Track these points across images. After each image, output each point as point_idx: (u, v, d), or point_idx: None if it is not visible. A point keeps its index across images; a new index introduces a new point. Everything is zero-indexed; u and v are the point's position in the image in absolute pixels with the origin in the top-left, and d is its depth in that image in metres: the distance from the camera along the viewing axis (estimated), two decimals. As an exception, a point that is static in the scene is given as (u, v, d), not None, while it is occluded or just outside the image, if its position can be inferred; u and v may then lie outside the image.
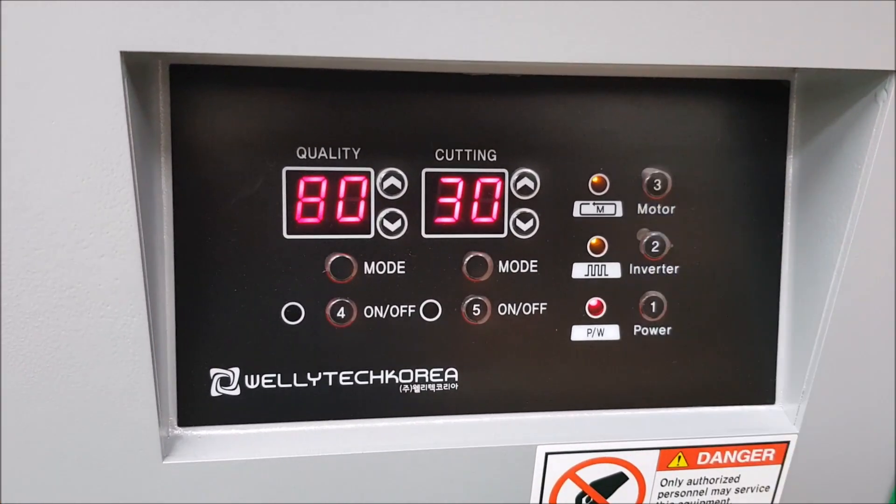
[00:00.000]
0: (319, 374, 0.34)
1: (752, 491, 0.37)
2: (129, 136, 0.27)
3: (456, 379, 0.35)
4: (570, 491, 0.35)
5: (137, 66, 0.28)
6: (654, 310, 0.35)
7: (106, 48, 0.26)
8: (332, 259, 0.33)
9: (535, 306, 0.35)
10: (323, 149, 0.32)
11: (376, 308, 0.34)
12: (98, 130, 0.26)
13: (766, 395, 0.37)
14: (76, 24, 0.25)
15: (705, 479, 0.37)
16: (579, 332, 0.35)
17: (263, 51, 0.27)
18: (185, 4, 0.26)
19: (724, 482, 0.37)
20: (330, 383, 0.34)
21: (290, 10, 0.27)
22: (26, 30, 0.25)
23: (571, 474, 0.35)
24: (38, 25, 0.25)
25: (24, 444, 0.30)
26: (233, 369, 0.33)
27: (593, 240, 0.35)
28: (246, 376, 0.33)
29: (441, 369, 0.35)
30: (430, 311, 0.34)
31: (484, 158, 0.34)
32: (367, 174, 0.33)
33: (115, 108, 0.26)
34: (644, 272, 0.35)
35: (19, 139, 0.26)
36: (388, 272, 0.34)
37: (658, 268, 0.35)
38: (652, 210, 0.35)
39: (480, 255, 0.34)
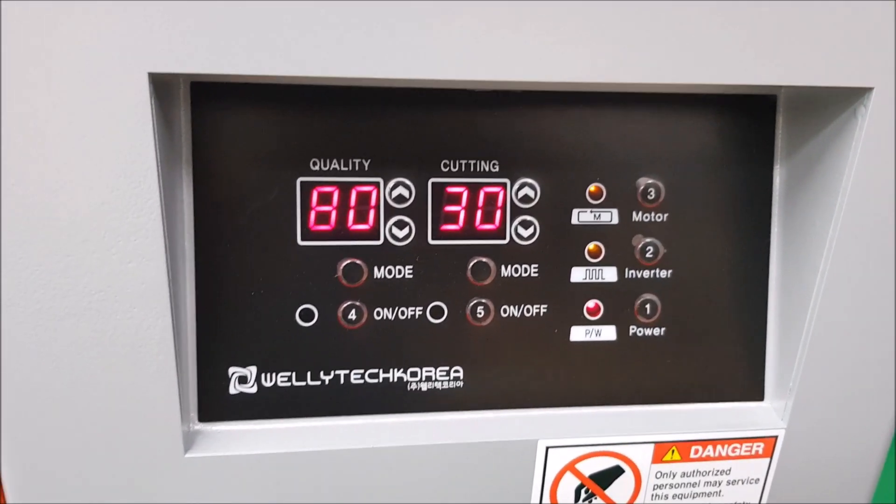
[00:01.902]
0: (332, 372, 0.36)
1: (742, 483, 0.39)
2: (156, 151, 0.29)
3: (461, 377, 0.37)
4: (570, 483, 0.37)
5: (162, 85, 0.30)
6: (648, 311, 0.37)
7: (135, 70, 0.27)
8: (344, 264, 0.35)
9: (536, 308, 0.37)
10: (335, 160, 0.34)
11: (385, 310, 0.36)
12: (127, 146, 0.28)
13: (755, 392, 0.39)
14: (108, 48, 0.27)
15: (698, 471, 0.38)
16: (578, 333, 0.37)
17: (281, 72, 0.29)
18: (209, 30, 0.28)
19: (716, 475, 0.39)
20: (342, 381, 0.36)
21: (306, 34, 0.28)
22: (62, 54, 0.27)
23: (571, 467, 0.37)
24: (73, 50, 0.27)
25: (52, 440, 0.32)
26: (250, 368, 0.35)
27: (591, 245, 0.37)
28: (262, 375, 0.35)
29: (447, 368, 0.37)
30: (437, 313, 0.36)
31: (487, 169, 0.35)
32: (377, 184, 0.35)
33: (143, 125, 0.28)
34: (639, 276, 0.37)
35: (54, 154, 0.28)
36: (397, 276, 0.36)
37: (652, 272, 0.37)
38: (646, 217, 0.37)
39: (484, 260, 0.36)
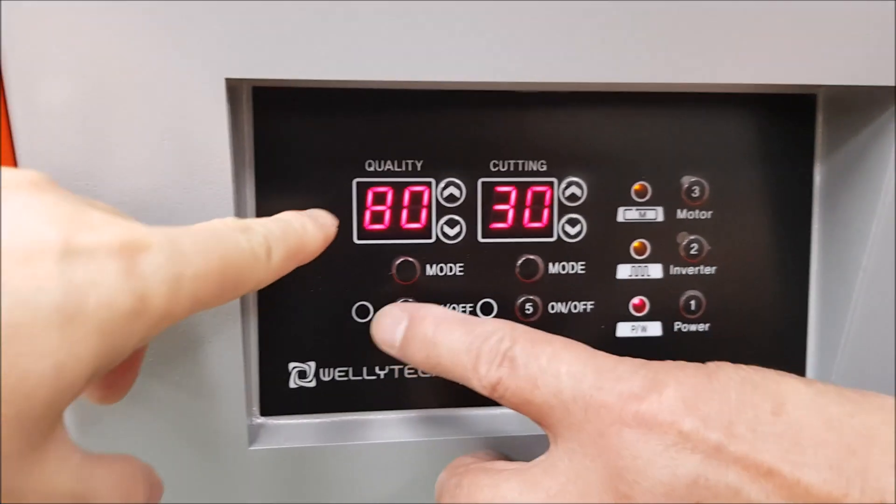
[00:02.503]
0: (387, 367, 0.37)
1: (784, 476, 0.40)
2: (231, 154, 0.30)
3: (511, 372, 0.38)
4: (617, 475, 0.38)
5: (231, 90, 0.31)
6: (693, 308, 0.38)
7: (214, 76, 0.29)
8: (398, 262, 0.36)
9: (583, 305, 0.38)
10: (389, 162, 0.35)
11: (438, 307, 0.37)
12: (204, 150, 0.30)
13: (797, 386, 0.40)
14: (189, 56, 0.29)
15: (741, 464, 0.39)
16: (624, 329, 0.38)
17: (345, 76, 0.30)
18: (282, 38, 0.29)
19: (759, 468, 0.39)
20: (396, 376, 0.37)
21: (372, 40, 0.30)
22: (145, 62, 0.28)
23: (618, 460, 0.38)
24: (156, 58, 0.28)
25: (125, 436, 0.33)
26: (309, 363, 0.36)
27: (636, 243, 0.38)
28: (321, 370, 0.36)
29: (497, 363, 0.38)
30: (487, 309, 0.37)
31: (535, 169, 0.37)
32: (429, 184, 0.36)
33: (220, 129, 0.29)
34: (684, 273, 0.38)
35: (134, 156, 0.30)
36: (448, 274, 0.37)
37: (697, 268, 0.38)
38: (690, 215, 0.38)
39: (532, 257, 0.37)
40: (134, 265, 0.20)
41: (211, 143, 0.30)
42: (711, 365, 0.27)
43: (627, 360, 0.28)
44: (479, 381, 0.29)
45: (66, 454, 0.21)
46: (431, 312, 0.32)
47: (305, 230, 0.29)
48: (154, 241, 0.21)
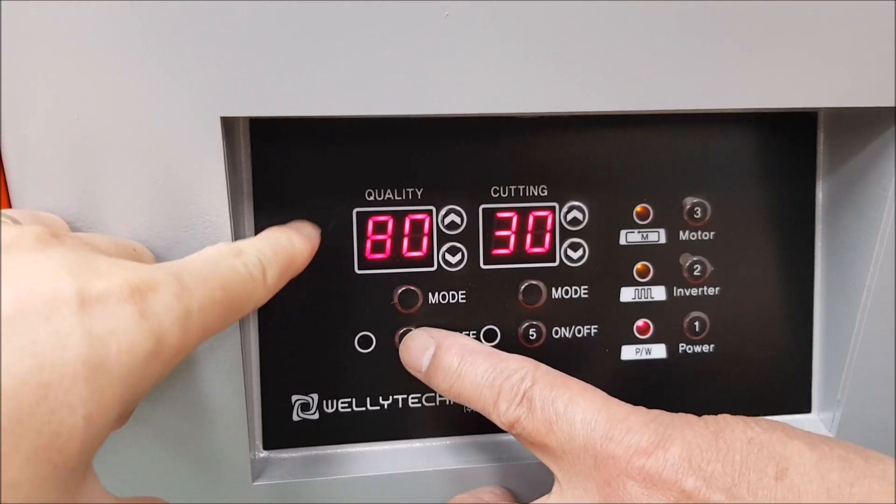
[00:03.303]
0: (390, 397, 0.37)
1: (792, 495, 0.40)
2: (228, 190, 0.30)
3: (515, 398, 0.38)
4: (624, 500, 0.38)
5: (227, 124, 0.31)
6: (697, 329, 0.38)
7: (209, 115, 0.28)
8: (400, 291, 0.36)
9: (587, 329, 0.38)
10: (389, 190, 0.35)
11: (440, 335, 0.37)
12: (201, 187, 0.29)
13: (802, 404, 0.40)
14: (183, 95, 0.28)
15: (749, 485, 0.39)
16: (628, 352, 0.38)
17: (342, 112, 0.30)
18: (276, 77, 0.29)
19: (766, 487, 0.39)
20: (400, 406, 0.37)
21: (370, 77, 0.29)
22: (139, 101, 0.28)
23: (625, 484, 0.37)
24: (150, 97, 0.28)
25: (127, 470, 0.33)
26: (312, 395, 0.36)
27: (639, 265, 0.37)
28: (324, 401, 0.36)
29: (501, 390, 0.37)
30: (490, 336, 0.37)
31: (536, 193, 0.36)
32: (430, 212, 0.36)
33: (216, 166, 0.29)
34: (687, 294, 0.38)
35: (129, 195, 0.29)
36: (451, 301, 0.36)
37: (700, 290, 0.38)
38: (693, 236, 0.37)
39: (535, 282, 0.37)
40: (146, 307, 0.20)
41: (207, 180, 0.29)
42: (721, 421, 0.28)
43: (641, 410, 0.29)
44: (498, 417, 0.30)
45: (99, 499, 0.21)
46: (458, 343, 0.32)
47: (293, 244, 0.30)
48: (160, 280, 0.21)
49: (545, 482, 0.36)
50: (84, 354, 0.18)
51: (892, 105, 0.33)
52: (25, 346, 0.17)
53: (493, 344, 0.37)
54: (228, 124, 0.32)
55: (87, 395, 0.18)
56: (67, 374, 0.18)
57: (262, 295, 0.27)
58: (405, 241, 0.36)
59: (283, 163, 0.34)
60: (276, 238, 0.29)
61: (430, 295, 0.36)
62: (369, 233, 0.35)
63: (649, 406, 0.38)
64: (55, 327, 0.18)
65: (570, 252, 0.37)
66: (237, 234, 0.33)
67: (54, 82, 0.27)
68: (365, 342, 0.36)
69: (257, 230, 0.34)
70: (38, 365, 0.17)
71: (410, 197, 0.35)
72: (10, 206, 0.29)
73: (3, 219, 0.23)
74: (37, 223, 0.25)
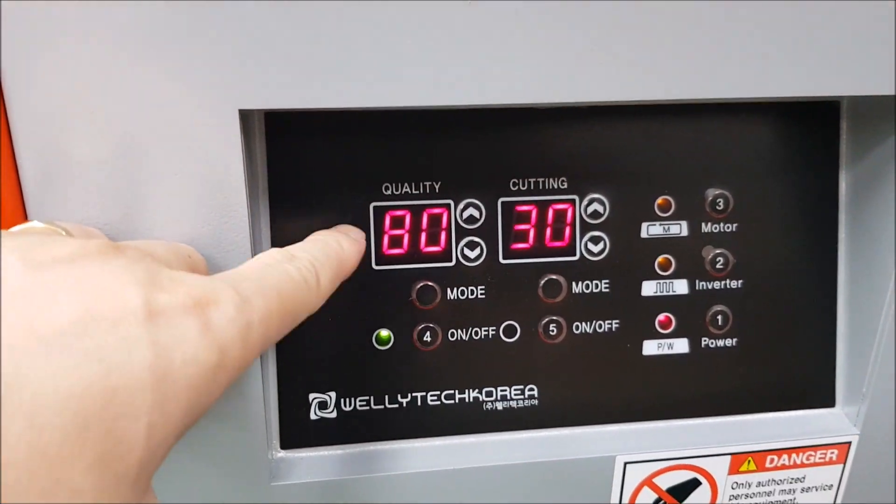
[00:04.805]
0: (409, 395, 0.36)
1: (816, 490, 0.39)
2: (246, 185, 0.29)
3: (536, 395, 0.37)
4: (648, 497, 0.37)
5: (244, 118, 0.30)
6: (720, 322, 0.37)
7: (227, 108, 0.28)
8: (418, 287, 0.35)
9: (608, 324, 0.37)
10: (406, 184, 0.34)
11: (459, 331, 0.36)
12: (219, 181, 0.29)
13: (826, 398, 0.39)
14: (201, 88, 0.27)
15: (773, 480, 0.38)
16: (650, 347, 0.37)
17: (359, 104, 0.29)
18: (294, 68, 0.28)
19: (791, 482, 0.39)
20: (419, 403, 0.36)
21: (386, 68, 0.28)
22: (157, 96, 0.27)
23: (648, 482, 0.37)
24: (167, 92, 0.27)
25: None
26: (330, 393, 0.35)
27: (661, 258, 0.37)
28: (342, 400, 0.35)
29: (522, 387, 0.37)
30: (510, 331, 0.36)
31: (555, 186, 0.36)
32: (448, 206, 0.35)
33: (234, 160, 0.28)
34: (710, 287, 0.37)
35: (150, 192, 0.29)
36: (470, 297, 0.36)
37: (723, 283, 0.37)
38: (715, 228, 0.37)
39: (555, 277, 0.36)
40: (209, 321, 0.20)
41: (225, 175, 0.29)
42: None
43: None
44: None
45: None
46: None
47: (342, 248, 0.29)
48: (221, 292, 0.21)
49: (563, 479, 0.36)
50: (150, 362, 0.18)
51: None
52: (92, 351, 0.17)
53: (512, 340, 0.36)
54: (245, 118, 0.31)
55: (151, 403, 0.18)
56: (134, 380, 0.18)
57: (316, 301, 0.26)
58: (423, 236, 0.35)
59: (299, 157, 0.33)
60: (326, 242, 0.29)
61: (448, 291, 0.35)
62: (386, 228, 0.35)
63: (672, 403, 0.38)
64: (122, 334, 0.18)
65: (590, 245, 0.36)
66: (254, 230, 0.32)
67: (68, 85, 0.27)
68: (383, 339, 0.35)
69: (273, 226, 0.34)
70: (105, 370, 0.17)
71: (428, 191, 0.35)
72: (26, 218, 0.29)
73: (59, 230, 0.23)
74: (84, 235, 0.25)
